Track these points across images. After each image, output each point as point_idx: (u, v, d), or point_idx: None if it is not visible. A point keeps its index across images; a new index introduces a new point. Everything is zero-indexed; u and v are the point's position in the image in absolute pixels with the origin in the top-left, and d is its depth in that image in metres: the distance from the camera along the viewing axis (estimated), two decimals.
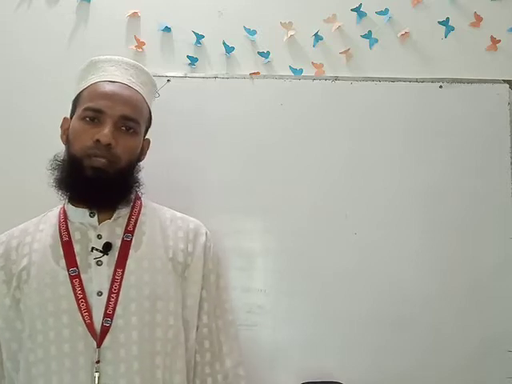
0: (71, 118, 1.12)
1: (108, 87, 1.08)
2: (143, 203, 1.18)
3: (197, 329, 1.13)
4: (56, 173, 1.10)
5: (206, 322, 1.14)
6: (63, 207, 1.13)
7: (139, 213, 1.14)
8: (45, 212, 1.17)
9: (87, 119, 1.06)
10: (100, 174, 1.04)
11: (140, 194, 1.17)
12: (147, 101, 1.16)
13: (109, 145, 1.04)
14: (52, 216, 1.13)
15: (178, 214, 1.20)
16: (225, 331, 1.17)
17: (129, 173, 1.11)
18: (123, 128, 1.08)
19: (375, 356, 1.47)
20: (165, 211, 1.19)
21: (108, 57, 1.14)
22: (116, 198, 1.09)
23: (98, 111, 1.06)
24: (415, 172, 1.53)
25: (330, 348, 1.46)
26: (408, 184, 1.52)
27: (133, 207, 1.14)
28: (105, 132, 1.04)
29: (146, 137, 1.20)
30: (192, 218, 1.20)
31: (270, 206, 1.49)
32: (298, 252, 1.48)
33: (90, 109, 1.06)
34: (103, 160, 1.04)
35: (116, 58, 1.14)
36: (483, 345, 1.48)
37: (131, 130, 1.09)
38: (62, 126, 1.14)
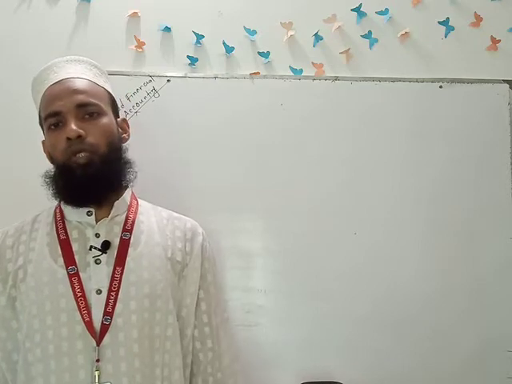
0: None
1: (54, 89, 1.09)
2: (139, 203, 1.18)
3: (195, 327, 1.14)
4: (50, 186, 1.11)
5: (206, 321, 1.15)
6: (59, 206, 1.13)
7: (136, 212, 1.14)
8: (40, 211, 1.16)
9: (52, 127, 1.07)
10: (88, 168, 1.04)
11: (134, 176, 1.16)
12: (99, 83, 1.15)
13: (79, 137, 1.04)
14: (47, 215, 1.13)
15: (174, 214, 1.20)
16: (223, 328, 1.18)
17: (115, 155, 1.11)
18: (87, 116, 1.08)
19: (375, 356, 1.47)
20: (160, 210, 1.20)
21: (44, 66, 1.14)
22: (113, 183, 1.10)
23: (56, 114, 1.06)
24: (415, 172, 1.53)
25: (329, 348, 1.46)
26: (408, 184, 1.52)
27: (129, 206, 1.14)
28: (70, 127, 1.04)
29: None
30: (188, 218, 1.20)
31: (270, 206, 1.49)
32: (298, 252, 1.48)
33: (48, 116, 1.07)
34: (83, 153, 1.04)
35: (50, 62, 1.14)
36: (483, 345, 1.48)
37: (95, 114, 1.09)
38: (44, 151, 1.15)
